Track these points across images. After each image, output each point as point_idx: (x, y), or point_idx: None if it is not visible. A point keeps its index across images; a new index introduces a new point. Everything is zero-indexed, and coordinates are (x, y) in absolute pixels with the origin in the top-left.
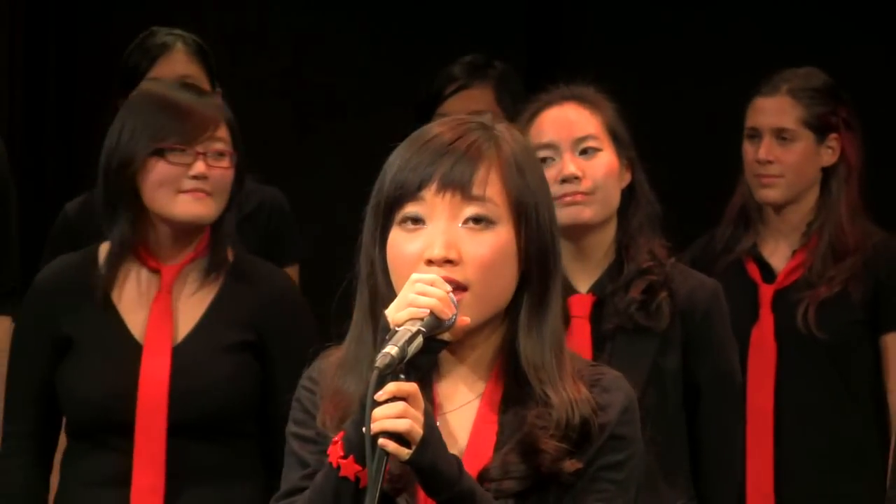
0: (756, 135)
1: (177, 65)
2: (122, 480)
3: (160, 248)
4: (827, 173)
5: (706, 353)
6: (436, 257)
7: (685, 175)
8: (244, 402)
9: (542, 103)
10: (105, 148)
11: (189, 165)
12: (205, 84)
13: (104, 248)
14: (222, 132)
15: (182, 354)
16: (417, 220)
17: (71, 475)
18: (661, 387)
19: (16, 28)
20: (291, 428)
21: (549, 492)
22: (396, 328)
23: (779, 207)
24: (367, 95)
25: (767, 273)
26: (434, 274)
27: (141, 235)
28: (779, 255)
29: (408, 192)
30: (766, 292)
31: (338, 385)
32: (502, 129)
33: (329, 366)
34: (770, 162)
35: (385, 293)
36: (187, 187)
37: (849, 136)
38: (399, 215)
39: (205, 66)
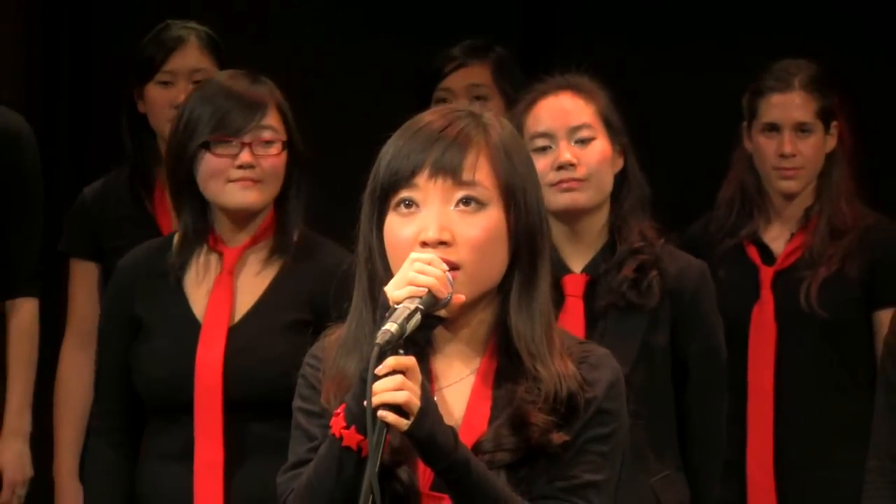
0: (775, 129)
1: (190, 58)
2: (189, 454)
3: (223, 231)
4: (827, 158)
5: (695, 331)
6: (430, 239)
7: (677, 159)
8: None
9: (538, 92)
10: (168, 142)
11: (236, 156)
12: None
13: (179, 234)
14: (271, 119)
15: (238, 334)
16: (411, 205)
17: (149, 449)
18: (651, 362)
19: (31, 19)
20: (298, 403)
21: (538, 462)
22: (396, 305)
23: (792, 195)
24: (362, 85)
25: (766, 255)
26: (431, 253)
27: (207, 221)
28: (778, 238)
29: (402, 179)
30: (767, 274)
31: (339, 365)
32: (490, 116)
33: (331, 344)
34: (793, 155)
35: (383, 275)
36: (235, 177)
37: (844, 120)
38: (394, 201)
39: (217, 59)
